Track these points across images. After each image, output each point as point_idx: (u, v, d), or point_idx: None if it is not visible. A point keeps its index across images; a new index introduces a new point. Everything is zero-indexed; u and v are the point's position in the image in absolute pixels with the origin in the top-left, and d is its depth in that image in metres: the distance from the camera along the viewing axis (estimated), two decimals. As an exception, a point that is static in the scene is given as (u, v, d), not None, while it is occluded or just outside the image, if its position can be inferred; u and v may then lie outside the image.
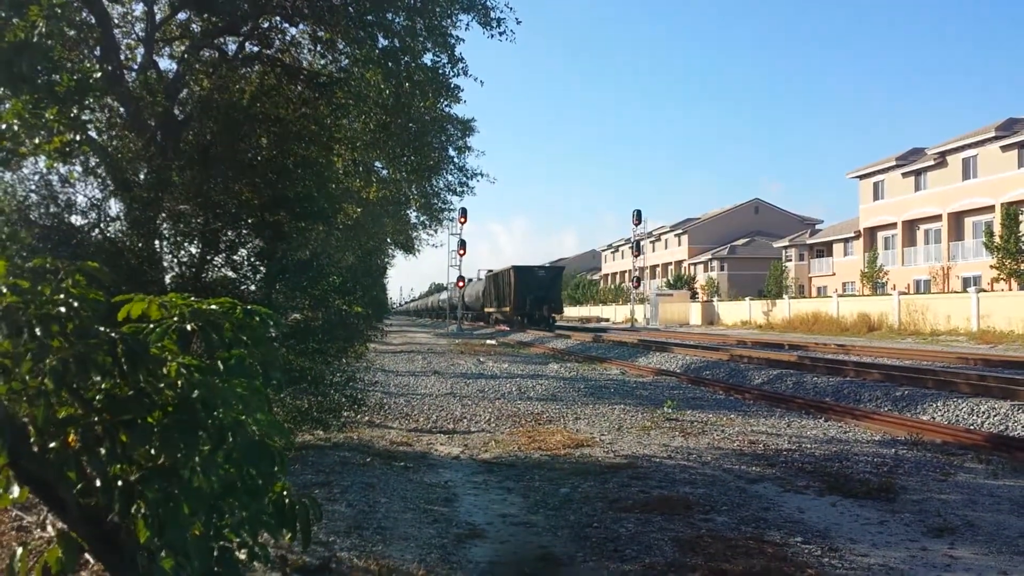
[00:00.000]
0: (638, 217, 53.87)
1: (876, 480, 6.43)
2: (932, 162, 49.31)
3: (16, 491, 2.27)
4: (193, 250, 6.97)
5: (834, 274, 60.73)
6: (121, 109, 8.42)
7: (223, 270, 7.10)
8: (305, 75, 9.94)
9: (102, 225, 6.86)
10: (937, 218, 48.92)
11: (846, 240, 59.81)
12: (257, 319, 2.61)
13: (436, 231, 31.98)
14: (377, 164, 16.32)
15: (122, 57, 9.25)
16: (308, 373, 7.42)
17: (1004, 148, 43.61)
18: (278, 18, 10.29)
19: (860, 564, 4.43)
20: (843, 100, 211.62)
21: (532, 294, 41.46)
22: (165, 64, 10.60)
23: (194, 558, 2.30)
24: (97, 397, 2.29)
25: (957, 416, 9.83)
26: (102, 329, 2.28)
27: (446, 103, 13.55)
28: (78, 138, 6.25)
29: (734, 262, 75.99)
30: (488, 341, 31.43)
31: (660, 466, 7.09)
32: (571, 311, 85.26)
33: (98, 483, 2.30)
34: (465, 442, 8.44)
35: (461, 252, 46.40)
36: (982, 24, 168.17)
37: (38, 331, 2.20)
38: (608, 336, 30.54)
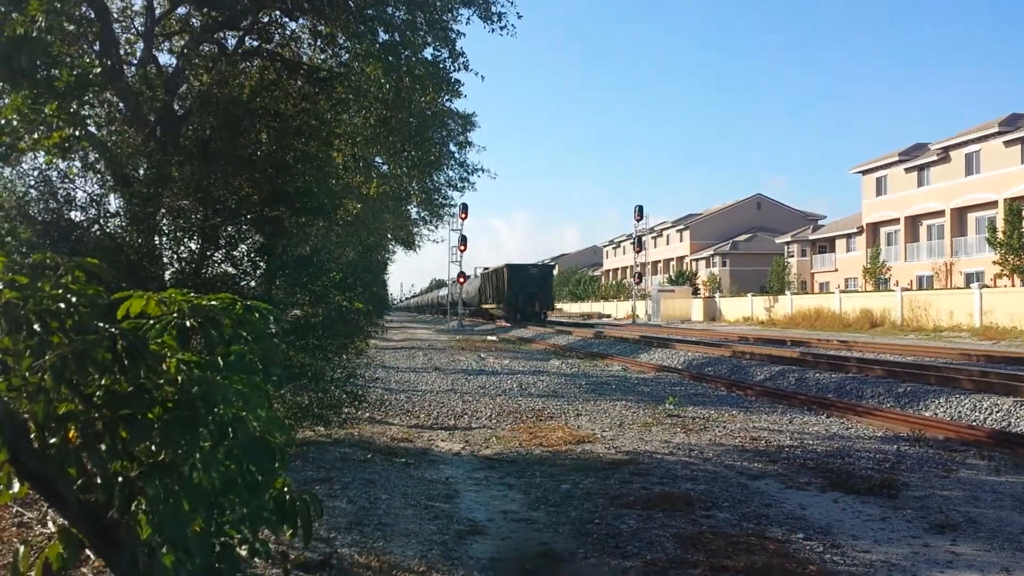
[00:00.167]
0: (640, 213, 53.81)
1: (878, 476, 6.42)
2: (935, 157, 49.21)
3: (16, 487, 2.26)
4: (193, 246, 6.96)
5: (836, 270, 60.68)
6: (120, 104, 8.41)
7: (223, 266, 7.09)
8: (305, 70, 9.92)
9: (101, 221, 6.85)
10: (940, 214, 48.84)
11: (849, 236, 59.73)
12: (257, 315, 2.60)
13: (437, 227, 31.99)
14: (377, 159, 16.30)
15: (121, 52, 9.24)
16: (308, 369, 7.41)
17: (1007, 143, 43.52)
18: (278, 12, 10.26)
19: (862, 560, 4.43)
20: (846, 95, 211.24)
21: (525, 291, 43.09)
22: (165, 59, 10.59)
23: (195, 554, 2.30)
24: (97, 393, 2.28)
25: (959, 412, 9.82)
26: (102, 325, 2.27)
27: (447, 98, 13.54)
28: (77, 133, 6.24)
29: (736, 258, 75.92)
30: (489, 337, 31.43)
31: (662, 462, 7.08)
32: (572, 307, 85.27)
33: (98, 479, 2.29)
34: (466, 438, 8.44)
35: (462, 248, 46.36)
36: (985, 19, 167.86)
37: (37, 327, 2.19)
38: (609, 332, 30.54)
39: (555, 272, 51.09)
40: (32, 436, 2.23)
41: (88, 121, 7.13)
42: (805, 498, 5.84)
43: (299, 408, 7.55)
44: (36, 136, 6.01)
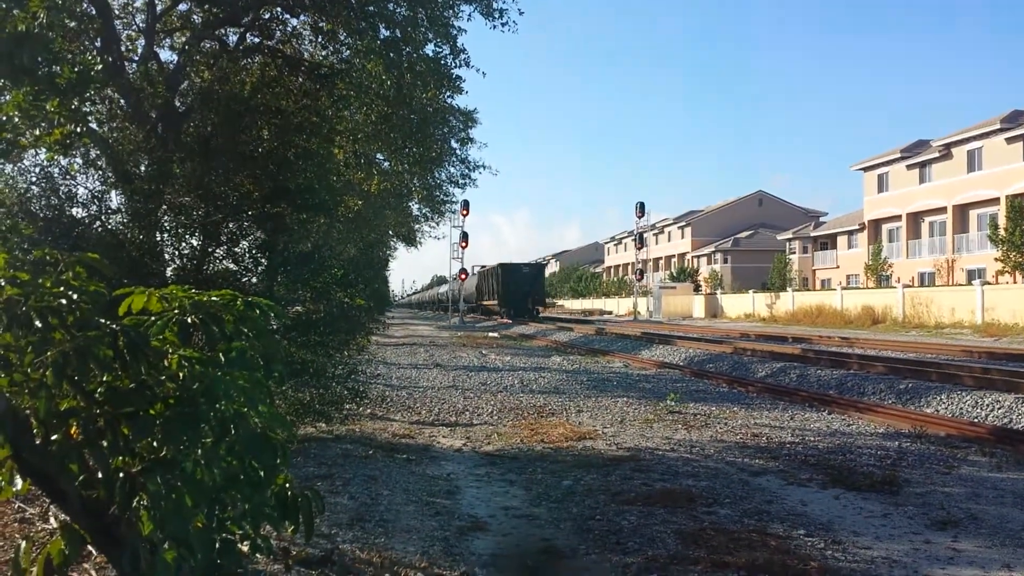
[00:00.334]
0: (641, 209, 53.72)
1: (879, 473, 6.42)
2: (937, 154, 49.12)
3: (19, 483, 2.27)
4: (194, 242, 6.96)
5: (838, 267, 60.61)
6: (122, 101, 8.42)
7: (224, 262, 7.09)
8: (306, 66, 9.92)
9: (103, 217, 6.84)
10: (942, 210, 48.76)
11: (850, 233, 59.64)
12: (258, 311, 2.60)
13: (438, 223, 32.05)
14: (379, 156, 16.30)
15: (123, 48, 9.24)
16: (310, 366, 7.41)
17: (1009, 140, 43.41)
18: (279, 9, 10.26)
19: (863, 557, 4.43)
20: (848, 92, 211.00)
21: (518, 289, 46.22)
22: (166, 55, 10.60)
23: (196, 550, 2.30)
24: (99, 390, 2.28)
25: (961, 409, 9.81)
26: (103, 321, 2.28)
27: (448, 94, 13.54)
28: (79, 130, 6.24)
29: (737, 255, 75.84)
30: (490, 334, 31.44)
31: (663, 459, 7.08)
32: (574, 304, 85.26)
33: (100, 475, 2.29)
34: (467, 435, 8.45)
35: (463, 244, 46.35)
36: (988, 16, 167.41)
37: (39, 324, 2.19)
38: (611, 329, 30.54)
39: (547, 271, 54.83)
40: (34, 432, 2.23)
41: (89, 118, 7.14)
42: (806, 494, 5.84)
43: (301, 404, 7.56)
44: (38, 133, 6.01)
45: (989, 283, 35.12)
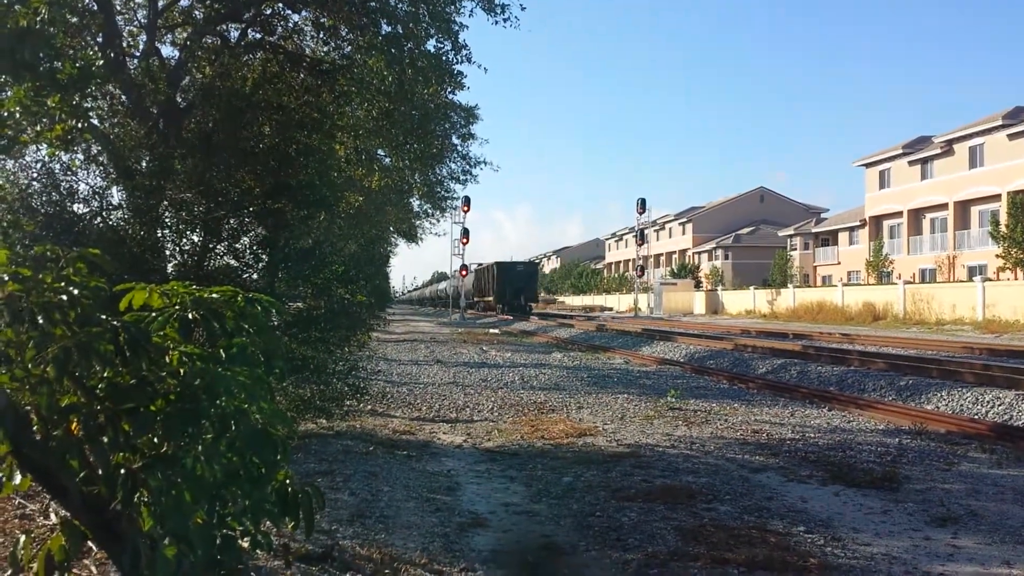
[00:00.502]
0: (642, 206, 53.73)
1: (879, 469, 6.43)
2: (939, 150, 49.05)
3: (19, 479, 2.27)
4: (195, 238, 6.96)
5: (839, 263, 60.57)
6: (123, 96, 8.41)
7: (225, 258, 7.09)
8: (308, 62, 9.91)
9: (104, 213, 6.85)
10: (943, 207, 48.71)
11: (851, 229, 59.59)
12: (259, 307, 2.60)
13: (439, 219, 32.06)
14: (380, 152, 16.29)
15: (124, 44, 9.23)
16: (311, 362, 7.42)
17: (1011, 136, 43.35)
18: (281, 5, 10.25)
19: (863, 553, 4.43)
20: (849, 89, 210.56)
21: (512, 286, 48.67)
22: (167, 51, 10.59)
23: (197, 546, 2.30)
24: (99, 385, 2.28)
25: (961, 405, 9.81)
26: (104, 317, 2.28)
27: (449, 90, 13.52)
28: (80, 126, 6.24)
29: (738, 251, 75.80)
30: (491, 330, 31.44)
31: (663, 455, 7.09)
32: (575, 300, 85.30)
33: (101, 471, 2.29)
34: (468, 431, 8.45)
35: (464, 241, 46.39)
36: (990, 12, 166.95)
37: (40, 319, 2.20)
38: (611, 325, 30.54)
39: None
40: (35, 428, 2.23)
41: (91, 113, 7.12)
42: (806, 491, 5.85)
43: (301, 400, 7.57)
44: (39, 128, 6.00)
45: (990, 279, 35.09)
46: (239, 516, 2.44)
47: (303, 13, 10.56)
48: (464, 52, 11.13)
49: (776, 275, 59.23)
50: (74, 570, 3.35)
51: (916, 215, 51.71)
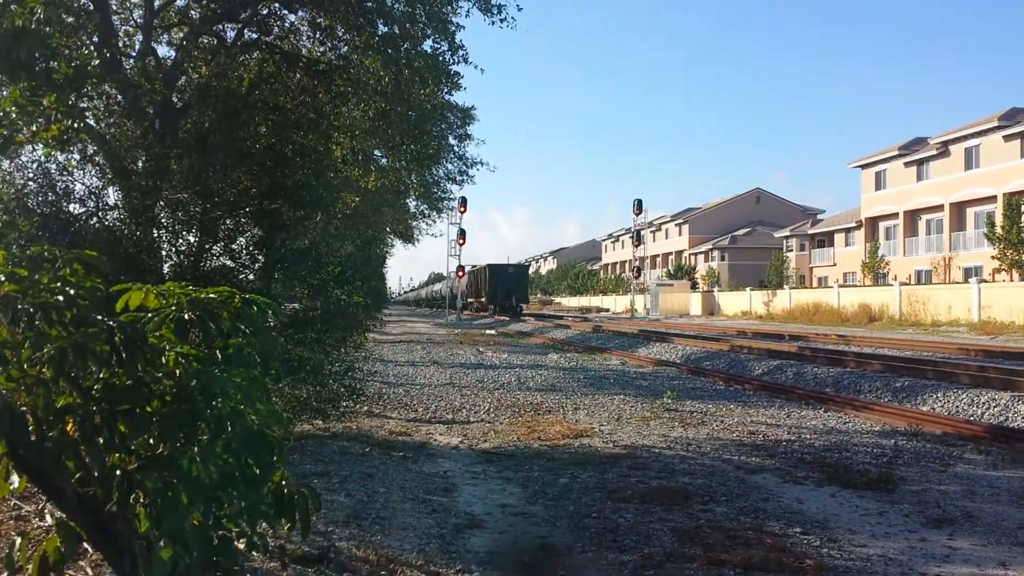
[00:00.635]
0: (639, 207, 53.77)
1: (875, 471, 6.44)
2: (934, 152, 49.16)
3: (15, 480, 2.26)
4: (191, 239, 6.94)
5: (835, 264, 60.67)
6: (119, 96, 8.39)
7: (221, 259, 7.07)
8: (304, 62, 9.89)
9: (100, 213, 6.83)
10: (939, 208, 48.81)
11: (847, 230, 59.69)
12: (255, 308, 2.60)
13: (436, 220, 32.03)
14: (376, 152, 16.28)
15: (120, 44, 9.20)
16: (307, 363, 7.40)
17: (1007, 138, 43.46)
18: (277, 5, 10.23)
19: (859, 555, 4.44)
20: (846, 90, 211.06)
21: (503, 287, 50.61)
22: (163, 51, 10.56)
23: (193, 548, 2.30)
24: (95, 386, 2.28)
25: (957, 407, 9.83)
26: (100, 318, 2.27)
27: (446, 91, 13.51)
28: (76, 126, 6.22)
29: (735, 252, 75.88)
30: (488, 331, 31.44)
31: (659, 456, 7.09)
32: (571, 301, 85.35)
33: (96, 473, 2.29)
34: (464, 432, 8.45)
35: (461, 241, 46.33)
36: (986, 14, 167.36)
37: (36, 320, 2.19)
38: (608, 326, 30.55)
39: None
40: (30, 429, 2.23)
41: (87, 113, 7.11)
42: (803, 492, 5.86)
43: (297, 401, 7.55)
44: (34, 128, 5.99)
45: (986, 281, 35.19)
46: (235, 517, 2.44)
47: (299, 13, 10.54)
48: (461, 53, 11.13)
49: (772, 276, 59.30)
50: (70, 572, 3.35)
51: (912, 216, 51.81)
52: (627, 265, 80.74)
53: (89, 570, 3.42)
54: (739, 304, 52.04)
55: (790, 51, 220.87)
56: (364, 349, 17.37)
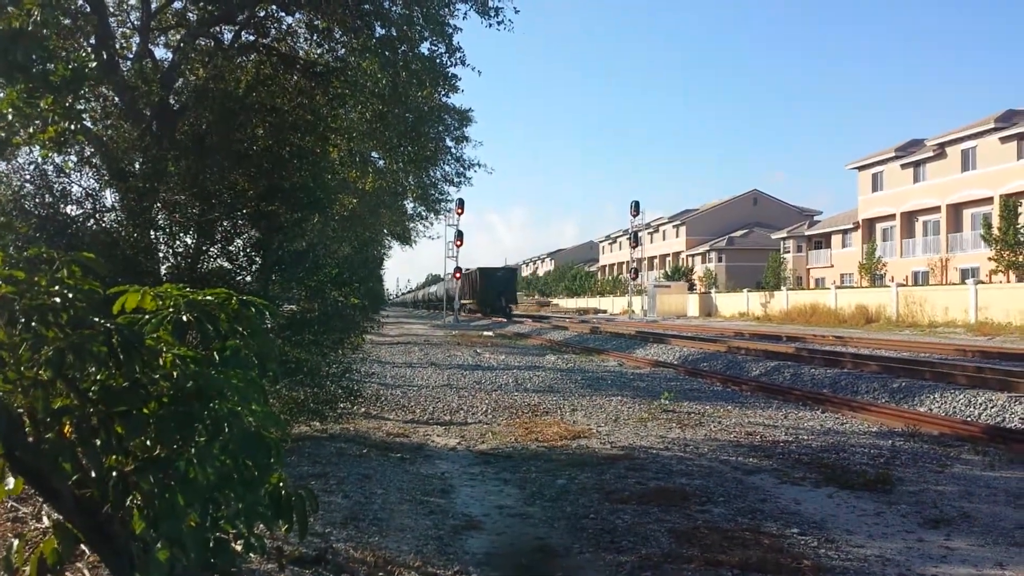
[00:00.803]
0: (636, 208, 53.86)
1: (873, 472, 6.45)
2: (931, 153, 49.25)
3: (11, 482, 2.26)
4: (188, 240, 6.93)
5: (832, 266, 60.73)
6: (116, 98, 8.38)
7: (219, 261, 7.06)
8: (301, 64, 9.88)
9: (97, 215, 6.82)
10: (936, 210, 48.90)
11: (844, 232, 59.78)
12: (253, 310, 2.60)
13: (433, 222, 32.04)
14: (374, 154, 16.28)
15: (117, 46, 9.20)
16: (304, 364, 7.40)
17: (1003, 140, 43.57)
18: (274, 7, 10.23)
19: (856, 555, 4.44)
20: (843, 91, 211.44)
21: (494, 289, 53.02)
22: (161, 53, 10.54)
23: (190, 549, 2.30)
24: (92, 388, 2.28)
25: (954, 408, 9.85)
26: (97, 320, 2.27)
27: (443, 93, 13.52)
28: (73, 127, 6.22)
29: (732, 253, 75.93)
30: (485, 333, 31.44)
31: (657, 457, 7.10)
32: (568, 302, 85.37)
33: (93, 474, 2.28)
34: (462, 433, 8.45)
35: (458, 243, 46.32)
36: (984, 14, 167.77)
37: (34, 322, 2.19)
38: (605, 328, 30.56)
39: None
40: (27, 431, 2.23)
41: (84, 115, 7.10)
42: (800, 493, 5.86)
43: (295, 403, 7.54)
44: (32, 130, 5.98)
45: (982, 282, 35.25)
46: (232, 519, 2.44)
47: (297, 15, 10.54)
48: (458, 55, 11.14)
49: (769, 278, 59.36)
50: (68, 574, 3.34)
51: (909, 218, 51.90)
52: (624, 267, 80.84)
53: (87, 572, 3.42)
54: (736, 305, 52.09)
55: (788, 51, 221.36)
56: (362, 351, 17.36)
